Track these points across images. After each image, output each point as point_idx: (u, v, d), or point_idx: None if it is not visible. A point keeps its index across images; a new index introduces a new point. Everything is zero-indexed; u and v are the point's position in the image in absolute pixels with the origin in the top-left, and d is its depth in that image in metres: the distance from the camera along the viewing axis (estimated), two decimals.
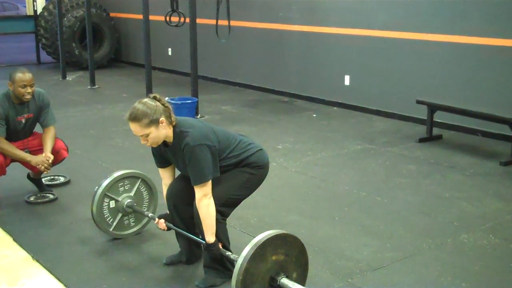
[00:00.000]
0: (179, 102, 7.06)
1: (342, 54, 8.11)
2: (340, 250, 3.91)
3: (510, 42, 6.29)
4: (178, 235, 3.64)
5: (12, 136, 4.55)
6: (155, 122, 3.17)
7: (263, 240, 2.92)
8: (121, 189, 3.96)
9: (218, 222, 3.28)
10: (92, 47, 10.04)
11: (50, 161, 4.48)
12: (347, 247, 3.95)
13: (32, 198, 4.74)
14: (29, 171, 4.86)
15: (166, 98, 3.28)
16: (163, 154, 3.43)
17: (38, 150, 4.63)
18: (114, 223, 3.96)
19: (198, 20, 7.63)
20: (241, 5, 9.14)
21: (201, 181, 3.18)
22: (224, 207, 3.35)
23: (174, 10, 8.26)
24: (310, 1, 8.39)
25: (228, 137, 3.41)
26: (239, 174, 3.39)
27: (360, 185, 5.16)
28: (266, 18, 9.12)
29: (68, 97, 9.03)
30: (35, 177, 4.90)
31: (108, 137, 6.70)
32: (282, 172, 5.51)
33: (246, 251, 2.89)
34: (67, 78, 10.64)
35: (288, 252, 3.03)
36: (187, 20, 7.74)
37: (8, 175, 4.62)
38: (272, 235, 2.97)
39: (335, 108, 8.20)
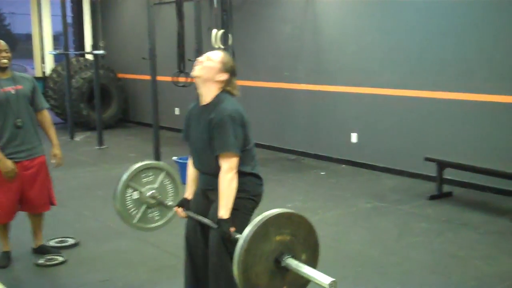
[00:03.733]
0: (186, 161, 7.03)
1: (349, 112, 8.17)
2: None
3: None
4: (186, 269, 3.51)
5: (7, 111, 4.40)
6: (222, 70, 3.26)
7: (264, 219, 2.74)
8: (144, 180, 3.82)
9: None
10: (100, 107, 10.13)
11: (58, 157, 4.69)
12: None
13: (41, 261, 4.68)
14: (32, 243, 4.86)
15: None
16: (193, 117, 3.38)
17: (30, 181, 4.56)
18: (138, 215, 3.81)
19: None
20: (247, 65, 9.26)
21: (226, 149, 3.11)
22: None
23: (181, 71, 8.38)
24: (315, 60, 8.51)
25: (250, 137, 3.32)
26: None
27: (372, 244, 5.10)
28: (272, 78, 9.23)
29: (76, 157, 9.06)
30: (36, 246, 4.86)
31: None
32: None
33: (247, 231, 2.72)
34: (75, 139, 10.71)
35: (294, 233, 2.82)
36: (194, 80, 7.82)
37: (17, 238, 4.58)
38: (275, 213, 2.78)
39: (343, 165, 8.19)
